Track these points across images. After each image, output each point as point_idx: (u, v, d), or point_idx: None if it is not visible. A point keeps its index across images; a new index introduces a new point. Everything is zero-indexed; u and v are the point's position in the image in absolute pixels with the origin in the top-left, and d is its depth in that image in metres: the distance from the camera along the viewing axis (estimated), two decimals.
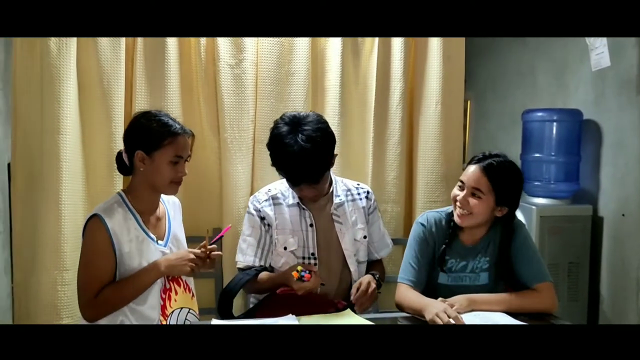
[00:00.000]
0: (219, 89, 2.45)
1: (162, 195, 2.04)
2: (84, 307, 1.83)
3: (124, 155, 1.92)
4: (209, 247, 1.94)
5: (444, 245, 2.02)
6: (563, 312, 1.94)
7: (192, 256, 1.91)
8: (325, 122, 2.04)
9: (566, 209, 2.74)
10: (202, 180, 2.50)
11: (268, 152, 2.44)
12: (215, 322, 1.85)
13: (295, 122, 1.98)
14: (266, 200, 2.17)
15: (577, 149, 2.79)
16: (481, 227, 2.03)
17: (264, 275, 2.13)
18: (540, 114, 2.84)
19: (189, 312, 1.98)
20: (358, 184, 2.28)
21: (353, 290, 2.03)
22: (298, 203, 2.14)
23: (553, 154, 2.77)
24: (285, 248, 2.13)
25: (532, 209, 2.69)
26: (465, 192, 1.95)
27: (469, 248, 2.04)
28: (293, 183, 2.04)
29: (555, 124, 2.79)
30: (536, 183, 2.82)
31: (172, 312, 1.92)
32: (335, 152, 2.06)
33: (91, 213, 1.87)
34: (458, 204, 1.97)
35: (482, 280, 2.04)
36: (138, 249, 1.88)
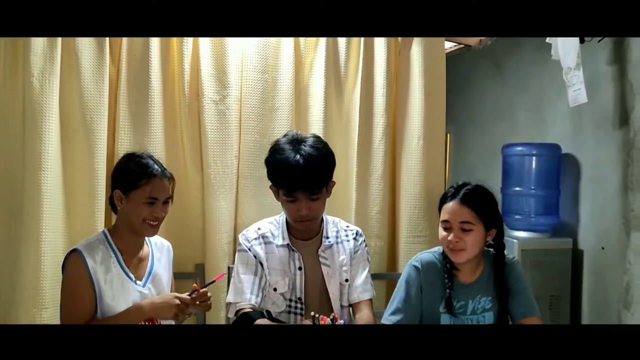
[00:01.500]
0: (203, 125, 2.45)
1: (151, 239, 2.07)
2: None
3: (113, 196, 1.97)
4: (201, 290, 1.93)
5: (448, 288, 1.97)
6: None
7: (178, 301, 1.90)
8: (326, 143, 2.04)
9: (547, 242, 2.77)
10: (184, 216, 2.49)
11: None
12: None
13: (296, 139, 1.98)
14: (256, 239, 2.11)
15: (557, 182, 2.82)
16: (477, 261, 2.01)
17: (264, 322, 1.95)
18: (519, 148, 2.88)
19: None
20: (348, 226, 2.22)
21: None
22: (288, 244, 2.09)
23: (533, 187, 2.81)
24: (275, 289, 2.08)
25: (513, 243, 2.71)
26: (453, 231, 1.93)
27: (467, 286, 2.00)
28: (289, 189, 1.95)
29: (534, 158, 2.83)
30: (517, 216, 2.85)
31: None
32: (333, 180, 2.04)
33: (71, 248, 1.91)
34: (450, 245, 1.93)
35: (487, 320, 1.99)
36: (116, 287, 1.91)
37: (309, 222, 2.03)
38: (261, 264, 2.08)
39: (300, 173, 1.91)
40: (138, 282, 1.97)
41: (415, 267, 2.01)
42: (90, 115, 2.31)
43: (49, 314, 2.19)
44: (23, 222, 2.19)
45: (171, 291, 2.09)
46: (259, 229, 2.14)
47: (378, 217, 2.65)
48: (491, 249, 2.04)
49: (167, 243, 2.14)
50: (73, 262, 1.88)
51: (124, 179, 1.93)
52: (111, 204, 2.00)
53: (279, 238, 2.11)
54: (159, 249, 2.09)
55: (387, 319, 1.99)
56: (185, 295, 1.92)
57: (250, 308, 2.02)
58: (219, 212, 2.46)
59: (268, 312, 2.04)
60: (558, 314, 2.73)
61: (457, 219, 1.92)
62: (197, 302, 1.92)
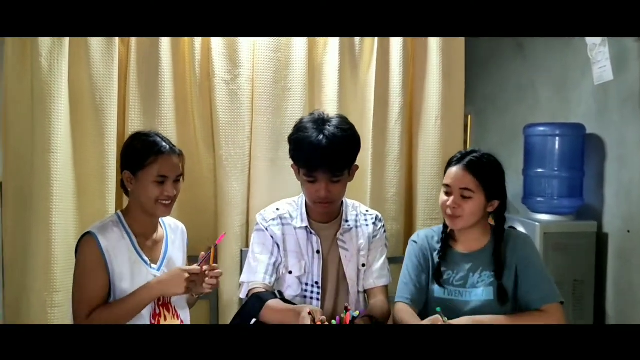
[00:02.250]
0: (214, 105, 2.40)
1: (165, 219, 2.04)
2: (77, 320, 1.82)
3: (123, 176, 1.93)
4: (207, 266, 1.88)
5: (438, 257, 1.99)
6: None
7: (187, 274, 1.85)
8: (352, 125, 1.99)
9: (570, 225, 2.68)
10: (196, 198, 2.45)
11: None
12: None
13: (321, 119, 1.94)
14: (274, 219, 2.07)
15: (581, 163, 2.73)
16: (480, 232, 1.99)
17: (276, 303, 1.88)
18: (542, 128, 2.79)
19: None
20: (367, 210, 2.18)
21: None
22: (306, 227, 2.05)
23: (556, 169, 2.72)
24: (290, 272, 2.04)
25: (535, 226, 2.63)
26: (453, 195, 1.92)
27: (465, 256, 1.99)
28: (309, 169, 1.90)
29: (557, 138, 2.74)
30: (539, 199, 2.77)
31: None
32: (356, 163, 2.00)
33: (85, 231, 1.87)
34: (449, 210, 1.93)
35: (485, 295, 1.93)
36: (130, 270, 1.87)
37: (327, 204, 1.98)
38: (277, 245, 2.04)
39: (322, 153, 1.86)
40: (153, 265, 1.93)
41: (414, 241, 2.05)
42: (100, 95, 2.27)
43: (60, 297, 2.18)
44: (33, 206, 2.18)
45: None
46: (277, 209, 2.10)
47: (394, 200, 2.59)
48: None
49: (181, 225, 2.11)
50: (86, 244, 1.84)
51: (132, 158, 1.89)
52: (122, 186, 1.96)
53: (298, 220, 2.06)
54: (173, 231, 2.06)
55: (397, 296, 2.00)
56: (194, 267, 1.88)
57: (264, 288, 1.98)
58: (232, 195, 2.42)
59: (280, 292, 1.98)
60: (581, 299, 2.64)
61: (458, 184, 1.91)
62: (207, 273, 1.87)
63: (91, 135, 2.28)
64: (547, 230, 2.62)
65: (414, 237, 2.08)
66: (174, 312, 1.97)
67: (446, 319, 1.77)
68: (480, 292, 1.94)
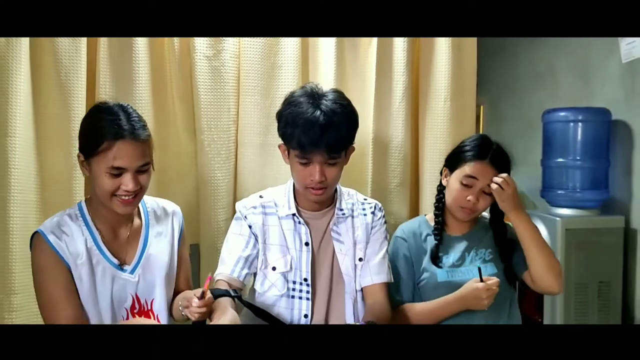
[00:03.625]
0: (195, 84, 2.18)
1: (148, 202, 1.76)
2: None
3: None
4: (199, 302, 1.53)
5: (437, 242, 1.95)
6: None
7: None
8: (349, 100, 1.79)
9: (595, 220, 2.51)
10: (176, 190, 2.22)
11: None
12: None
13: (316, 93, 1.75)
14: (254, 207, 1.85)
15: (606, 152, 2.56)
16: None
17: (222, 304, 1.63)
18: (562, 113, 2.61)
19: None
20: (365, 199, 1.97)
21: None
22: (294, 215, 1.82)
23: (578, 158, 2.54)
24: (274, 268, 1.80)
25: (556, 221, 2.45)
26: (474, 191, 1.87)
27: (458, 238, 1.98)
28: (304, 149, 1.69)
29: (580, 124, 2.55)
30: (560, 192, 2.59)
31: None
32: (353, 145, 1.81)
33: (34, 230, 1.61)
34: (467, 205, 1.88)
35: (489, 271, 1.90)
36: (89, 277, 1.60)
37: (321, 190, 1.76)
38: (255, 237, 1.82)
39: (319, 131, 1.66)
40: (125, 267, 1.65)
41: (401, 239, 2.00)
42: (66, 72, 2.03)
43: (19, 300, 1.94)
44: None
45: (182, 269, 1.80)
46: (260, 197, 1.89)
47: (398, 191, 2.38)
48: None
49: (173, 208, 1.82)
50: (36, 246, 1.58)
51: (83, 140, 1.59)
52: None
53: (284, 207, 1.84)
54: (158, 219, 1.76)
55: (396, 300, 1.93)
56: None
57: (227, 282, 1.75)
58: (215, 185, 2.20)
59: (236, 291, 1.71)
60: (607, 303, 2.45)
61: (485, 181, 1.86)
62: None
63: (56, 117, 2.04)
64: (570, 226, 2.46)
65: (398, 233, 2.02)
66: (156, 321, 1.70)
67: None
68: (484, 267, 1.90)
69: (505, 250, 1.94)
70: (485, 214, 2.01)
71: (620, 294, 2.46)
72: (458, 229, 1.99)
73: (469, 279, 1.84)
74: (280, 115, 1.76)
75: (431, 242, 1.96)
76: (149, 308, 1.69)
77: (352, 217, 1.89)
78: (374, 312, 1.78)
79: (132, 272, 1.66)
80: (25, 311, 1.93)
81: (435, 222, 1.99)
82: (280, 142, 1.79)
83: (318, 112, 1.67)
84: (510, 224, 1.92)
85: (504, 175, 1.82)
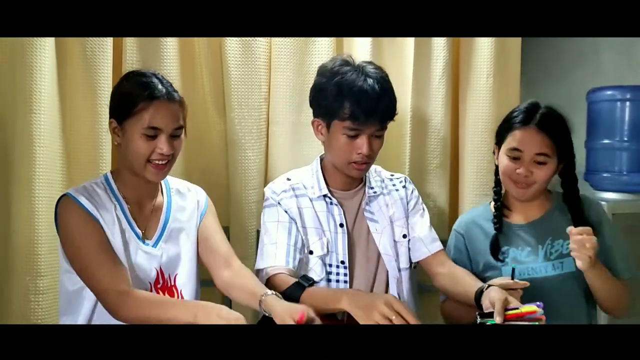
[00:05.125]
0: (225, 60, 2.10)
1: (172, 182, 1.74)
2: (116, 305, 1.48)
3: None
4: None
5: (496, 230, 1.79)
6: None
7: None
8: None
9: None
10: (205, 170, 2.17)
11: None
12: None
13: (352, 63, 1.71)
14: (285, 191, 1.78)
15: None
16: (539, 199, 1.81)
17: (313, 293, 1.60)
18: (609, 92, 2.49)
19: None
20: (392, 174, 1.92)
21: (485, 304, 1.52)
22: (326, 196, 1.76)
23: (626, 139, 2.44)
24: (311, 252, 1.74)
25: (602, 206, 2.29)
26: (524, 162, 1.71)
27: (525, 227, 1.80)
28: (359, 119, 1.64)
29: (628, 103, 2.44)
30: (605, 175, 2.49)
31: None
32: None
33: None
34: (519, 179, 1.72)
35: (567, 268, 1.72)
36: (122, 244, 1.56)
37: (365, 165, 1.73)
38: (294, 221, 1.75)
39: (376, 99, 1.63)
40: (147, 240, 1.62)
41: (456, 231, 1.88)
42: (92, 48, 1.97)
43: (46, 282, 1.90)
44: (13, 176, 1.89)
45: (215, 252, 1.72)
46: (288, 179, 1.82)
47: (437, 172, 2.29)
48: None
49: (196, 189, 1.79)
50: (65, 209, 1.54)
51: (119, 103, 1.57)
52: None
53: (315, 189, 1.77)
54: (182, 197, 1.73)
55: (443, 295, 1.84)
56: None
57: (288, 273, 1.68)
58: (245, 165, 2.13)
59: (304, 276, 1.67)
60: None
61: (533, 149, 1.70)
62: None
63: (82, 93, 1.98)
64: (616, 211, 2.34)
65: (455, 226, 1.90)
66: (179, 298, 1.67)
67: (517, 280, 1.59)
68: (557, 264, 1.75)
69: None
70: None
71: None
72: (525, 215, 1.81)
73: (545, 277, 1.73)
74: (319, 89, 1.70)
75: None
76: (173, 283, 1.66)
77: (384, 194, 1.83)
78: (456, 275, 1.74)
79: (154, 245, 1.64)
80: (51, 294, 1.89)
81: (494, 208, 1.83)
82: (315, 117, 1.73)
83: (371, 81, 1.63)
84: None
85: (583, 230, 1.57)
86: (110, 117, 1.60)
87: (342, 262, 1.74)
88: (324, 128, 1.72)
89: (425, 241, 1.81)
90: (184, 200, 1.74)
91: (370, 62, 1.75)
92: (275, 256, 1.70)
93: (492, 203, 1.86)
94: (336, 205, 1.77)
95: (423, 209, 1.89)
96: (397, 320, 1.39)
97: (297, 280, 1.63)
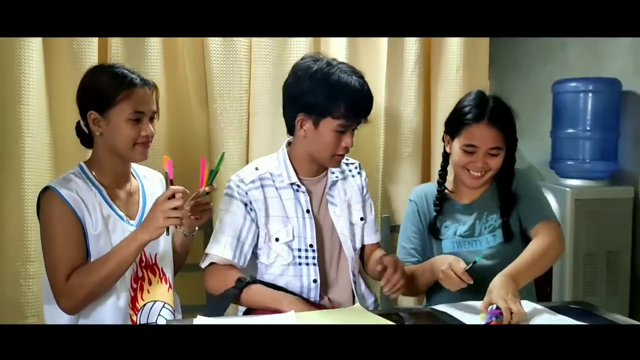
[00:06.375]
0: (207, 52, 2.16)
1: (137, 169, 1.79)
2: (57, 296, 1.57)
3: (82, 123, 1.67)
4: (203, 190, 1.67)
5: (436, 212, 1.87)
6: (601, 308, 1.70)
7: (171, 204, 1.52)
8: None
9: (604, 191, 2.50)
10: (187, 159, 2.20)
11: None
12: (199, 320, 1.50)
13: (330, 62, 1.75)
14: (253, 182, 1.80)
15: (616, 123, 2.53)
16: (485, 184, 1.88)
17: (256, 290, 1.72)
18: (573, 84, 2.58)
19: (163, 306, 1.71)
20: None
21: (377, 268, 1.65)
22: (293, 184, 1.81)
23: (588, 129, 2.53)
24: (277, 239, 1.78)
25: (565, 192, 2.44)
26: (480, 156, 1.75)
27: (468, 206, 1.87)
28: (351, 115, 1.70)
29: (590, 94, 2.53)
30: (569, 162, 2.58)
31: (144, 305, 1.67)
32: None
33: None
34: (475, 172, 1.77)
35: (497, 239, 1.81)
36: (104, 227, 1.62)
37: (342, 156, 1.81)
38: (256, 213, 1.79)
39: (366, 97, 1.74)
40: (131, 221, 1.68)
41: (411, 201, 1.94)
42: (78, 40, 2.03)
43: (35, 268, 1.97)
44: (3, 165, 1.94)
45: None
46: (256, 168, 1.84)
47: (410, 160, 2.38)
48: None
49: (158, 174, 1.86)
50: (47, 201, 1.59)
51: (97, 96, 1.60)
52: (79, 134, 1.70)
53: (283, 177, 1.82)
54: (150, 182, 1.81)
55: (401, 259, 1.80)
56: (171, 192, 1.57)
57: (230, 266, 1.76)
58: (227, 154, 2.13)
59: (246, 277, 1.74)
60: (616, 273, 2.46)
61: (488, 144, 1.74)
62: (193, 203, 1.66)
63: (68, 84, 2.01)
64: (579, 197, 2.45)
65: (411, 196, 1.96)
66: (160, 275, 1.74)
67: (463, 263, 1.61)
68: (491, 238, 1.83)
69: (506, 204, 1.82)
70: None
71: (628, 264, 2.46)
72: (468, 196, 1.87)
73: (478, 250, 1.80)
74: (305, 88, 1.71)
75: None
76: (154, 262, 1.73)
77: (343, 179, 1.91)
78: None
79: (137, 224, 1.68)
80: (40, 278, 1.88)
81: (437, 191, 1.89)
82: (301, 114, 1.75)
83: (355, 78, 1.70)
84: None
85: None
86: (87, 111, 1.62)
87: (311, 246, 1.79)
88: (309, 124, 1.73)
89: (371, 230, 1.93)
90: (151, 183, 1.81)
91: (343, 62, 1.80)
92: (224, 246, 1.74)
93: (437, 186, 1.91)
94: (303, 192, 1.81)
95: (370, 198, 1.98)
96: None
97: (238, 277, 1.70)
